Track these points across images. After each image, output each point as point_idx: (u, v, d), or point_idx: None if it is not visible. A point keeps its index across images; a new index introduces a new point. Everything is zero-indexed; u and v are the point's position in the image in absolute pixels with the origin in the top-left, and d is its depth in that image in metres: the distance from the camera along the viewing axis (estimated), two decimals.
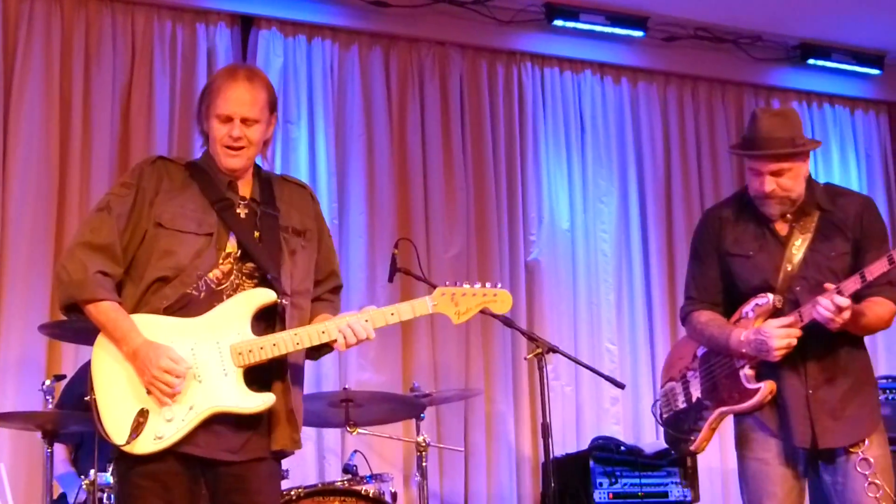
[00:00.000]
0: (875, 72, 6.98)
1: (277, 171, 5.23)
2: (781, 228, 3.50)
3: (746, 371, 3.46)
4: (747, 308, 3.49)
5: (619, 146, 6.42)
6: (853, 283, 3.27)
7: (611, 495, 5.16)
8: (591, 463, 5.20)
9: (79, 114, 5.23)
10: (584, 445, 5.57)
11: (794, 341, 3.36)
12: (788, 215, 3.49)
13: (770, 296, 3.44)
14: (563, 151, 6.26)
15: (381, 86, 5.89)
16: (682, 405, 3.71)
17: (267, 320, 2.97)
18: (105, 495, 3.87)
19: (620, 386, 4.06)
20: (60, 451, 4.47)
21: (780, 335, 3.35)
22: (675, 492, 5.24)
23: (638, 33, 6.35)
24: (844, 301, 3.24)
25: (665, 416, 3.80)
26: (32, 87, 5.15)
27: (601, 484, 5.17)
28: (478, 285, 3.09)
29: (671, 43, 6.52)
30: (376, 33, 5.93)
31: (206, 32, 5.57)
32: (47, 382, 4.30)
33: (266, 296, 2.95)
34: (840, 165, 6.98)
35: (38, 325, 4.35)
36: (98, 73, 5.30)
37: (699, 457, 5.23)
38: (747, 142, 3.48)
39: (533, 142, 6.18)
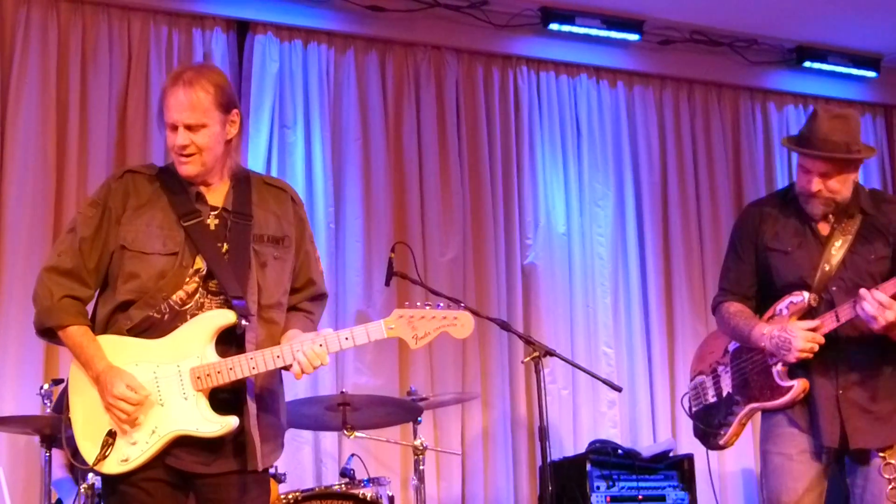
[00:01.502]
0: (871, 74, 6.99)
1: (274, 175, 5.26)
2: (823, 228, 3.50)
3: (779, 368, 3.46)
4: (782, 305, 3.49)
5: (616, 150, 6.43)
6: (893, 286, 3.26)
7: (608, 498, 5.16)
8: (589, 466, 5.20)
9: (75, 118, 5.23)
10: (582, 449, 5.58)
11: (817, 347, 3.36)
12: (831, 216, 3.49)
13: (806, 294, 3.44)
14: (560, 155, 6.26)
15: (378, 90, 5.89)
16: (711, 399, 3.72)
17: (230, 341, 2.93)
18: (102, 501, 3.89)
19: (617, 389, 4.06)
20: (58, 456, 4.47)
21: (806, 338, 3.35)
22: (673, 495, 5.25)
23: (634, 37, 6.35)
24: (884, 297, 3.22)
25: (694, 409, 3.80)
26: (29, 92, 5.16)
27: (598, 487, 5.18)
28: (440, 305, 2.98)
29: (667, 46, 6.53)
30: (372, 38, 5.94)
31: (203, 37, 5.57)
32: (45, 386, 4.32)
33: (225, 318, 2.90)
34: None
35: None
36: (94, 77, 5.31)
37: (696, 459, 5.25)
38: (803, 139, 3.46)
39: (529, 146, 6.18)
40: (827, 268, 3.45)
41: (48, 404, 4.28)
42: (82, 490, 3.93)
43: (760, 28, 6.58)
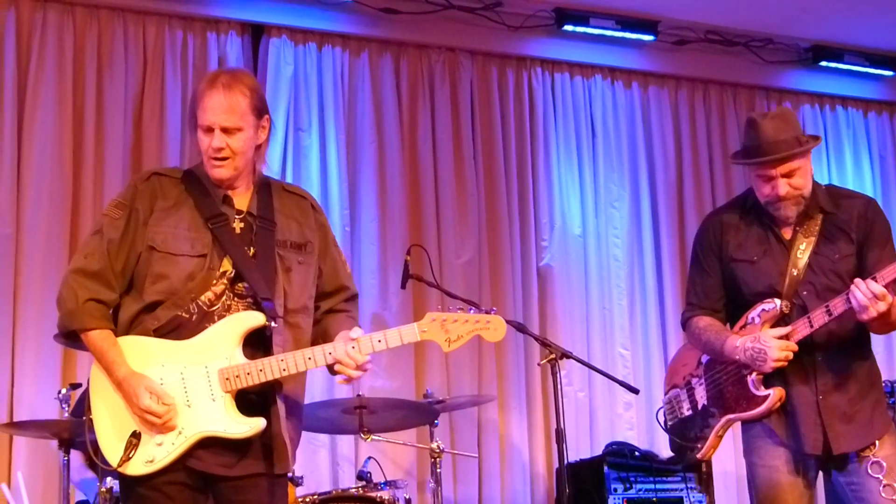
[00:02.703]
0: (888, 73, 6.96)
1: (289, 179, 5.28)
2: (786, 232, 3.47)
3: (754, 377, 3.43)
4: (754, 314, 3.47)
5: (631, 151, 6.42)
6: (891, 272, 3.19)
7: (625, 501, 5.14)
8: (606, 468, 5.19)
9: (92, 122, 5.26)
10: (598, 451, 5.57)
11: (791, 354, 3.33)
12: (792, 219, 3.46)
13: (777, 301, 3.41)
14: (575, 156, 6.26)
15: (392, 92, 5.90)
16: (687, 412, 3.69)
17: (258, 343, 2.94)
18: None
19: (634, 391, 4.05)
20: (77, 456, 4.48)
21: (780, 346, 3.33)
22: (691, 497, 5.22)
23: (648, 37, 6.34)
24: (879, 288, 3.17)
25: (670, 423, 3.78)
26: (46, 97, 5.18)
27: (616, 490, 5.16)
28: (472, 311, 2.98)
29: (682, 46, 6.52)
30: (386, 40, 5.95)
31: (217, 41, 5.59)
32: (63, 391, 4.33)
33: (254, 319, 2.91)
34: (853, 167, 6.96)
35: (54, 334, 4.35)
36: (110, 82, 5.33)
37: (714, 462, 5.23)
38: (751, 149, 3.43)
39: (544, 147, 6.18)
40: (795, 272, 3.42)
41: (66, 408, 4.29)
42: (101, 493, 3.93)
43: (776, 27, 6.56)
